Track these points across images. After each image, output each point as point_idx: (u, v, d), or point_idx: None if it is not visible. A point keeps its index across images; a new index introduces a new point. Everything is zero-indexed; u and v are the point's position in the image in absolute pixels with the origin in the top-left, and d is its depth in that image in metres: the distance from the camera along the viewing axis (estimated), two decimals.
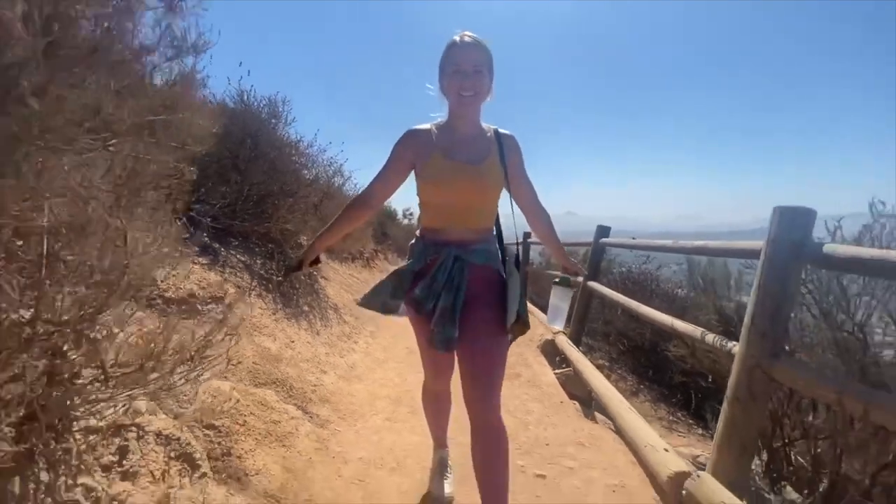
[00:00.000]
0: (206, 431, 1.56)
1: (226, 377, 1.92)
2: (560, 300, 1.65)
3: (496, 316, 1.31)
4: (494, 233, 1.46)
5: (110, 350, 0.92)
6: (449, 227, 1.35)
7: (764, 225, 1.61)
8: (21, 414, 0.80)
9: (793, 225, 1.49)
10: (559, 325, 1.68)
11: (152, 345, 0.99)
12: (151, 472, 1.22)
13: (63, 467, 0.99)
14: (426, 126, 1.36)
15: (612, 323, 5.29)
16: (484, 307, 1.32)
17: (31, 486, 0.89)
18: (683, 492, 1.53)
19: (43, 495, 0.91)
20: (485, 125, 1.39)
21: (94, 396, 0.94)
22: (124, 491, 1.10)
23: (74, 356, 0.89)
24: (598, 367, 3.14)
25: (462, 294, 1.29)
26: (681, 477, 1.57)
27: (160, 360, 1.01)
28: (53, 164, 0.77)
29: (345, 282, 4.98)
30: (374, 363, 3.25)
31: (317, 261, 1.47)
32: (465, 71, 1.25)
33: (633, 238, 3.61)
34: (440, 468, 1.71)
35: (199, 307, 2.32)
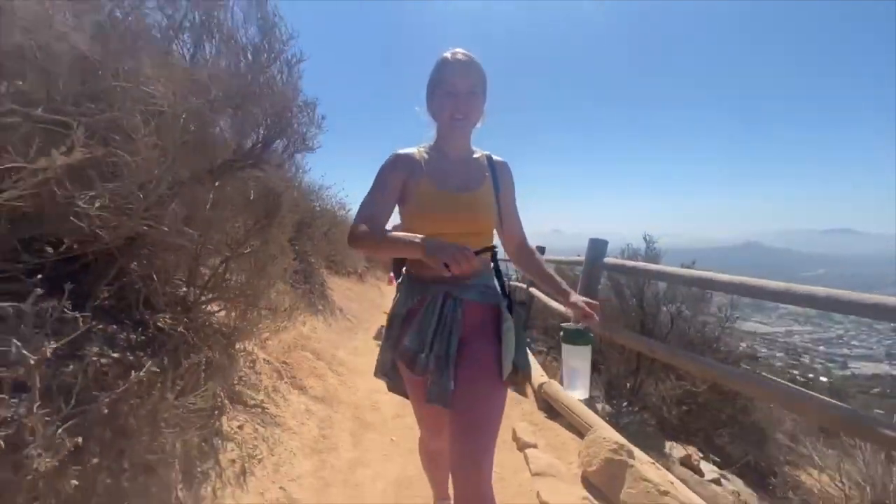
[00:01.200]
0: (285, 363, 2.83)
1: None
2: (575, 359, 1.21)
3: (493, 367, 1.15)
4: (492, 266, 1.29)
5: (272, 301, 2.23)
6: None
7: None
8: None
9: (595, 248, 2.87)
10: (581, 394, 1.23)
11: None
12: (264, 374, 2.50)
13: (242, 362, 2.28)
14: (412, 150, 1.23)
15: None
16: (479, 356, 1.15)
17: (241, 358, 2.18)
18: (542, 391, 2.86)
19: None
20: (476, 150, 1.28)
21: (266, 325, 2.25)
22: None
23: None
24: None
25: (455, 338, 1.13)
26: (542, 384, 2.91)
27: (277, 312, 2.32)
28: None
29: (344, 292, 6.25)
30: (370, 348, 4.53)
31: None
32: (458, 92, 1.14)
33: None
34: None
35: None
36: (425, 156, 1.21)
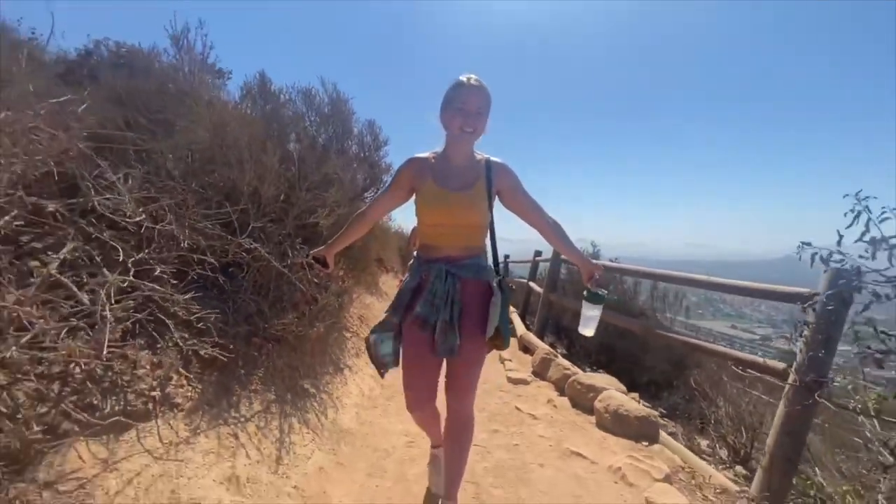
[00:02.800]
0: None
1: None
2: (592, 311, 1.59)
3: (480, 329, 1.46)
4: (489, 251, 1.58)
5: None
6: (440, 245, 1.48)
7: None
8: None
9: (554, 255, 4.58)
10: (590, 333, 1.61)
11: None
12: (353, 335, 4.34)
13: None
14: (426, 154, 1.50)
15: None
16: (471, 321, 1.46)
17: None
18: (521, 338, 4.60)
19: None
20: (478, 154, 1.51)
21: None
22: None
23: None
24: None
25: (458, 305, 1.43)
26: (522, 335, 4.64)
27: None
28: None
29: (390, 283, 8.12)
30: None
31: (326, 265, 1.65)
32: (468, 111, 1.38)
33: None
34: (437, 464, 1.82)
35: None
36: (434, 160, 1.48)
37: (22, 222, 1.45)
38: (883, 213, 1.46)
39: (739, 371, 2.39)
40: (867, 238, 1.53)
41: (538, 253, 7.30)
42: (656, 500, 1.86)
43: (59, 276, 1.37)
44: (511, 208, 1.53)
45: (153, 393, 1.60)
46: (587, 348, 5.61)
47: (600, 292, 1.57)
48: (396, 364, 1.57)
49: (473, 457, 2.21)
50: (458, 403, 1.53)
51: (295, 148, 3.04)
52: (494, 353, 4.25)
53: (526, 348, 4.61)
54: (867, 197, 1.50)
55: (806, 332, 1.99)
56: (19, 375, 1.19)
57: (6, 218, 1.36)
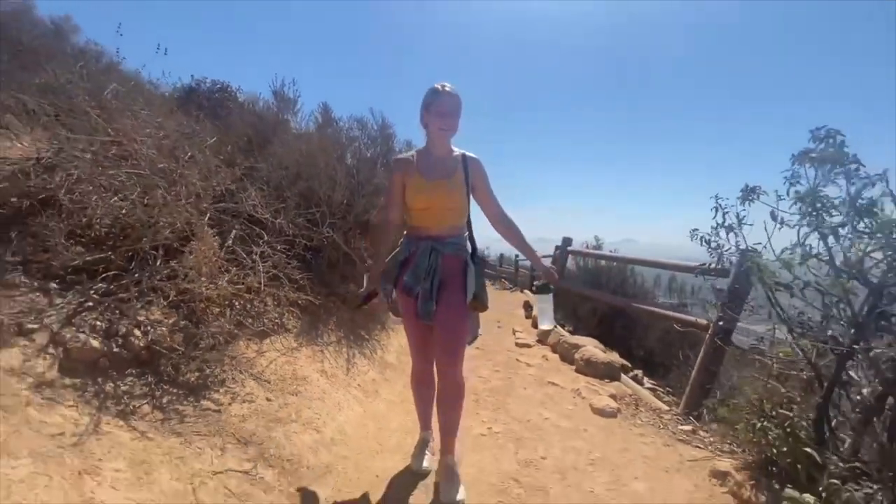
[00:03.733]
0: None
1: None
2: (543, 303, 1.92)
3: (461, 297, 1.73)
4: (466, 234, 1.83)
5: None
6: (427, 226, 1.75)
7: None
8: None
9: (565, 241, 5.41)
10: (548, 325, 1.92)
11: None
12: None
13: None
14: (408, 154, 1.79)
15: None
16: (452, 290, 1.73)
17: None
18: (532, 315, 5.48)
19: None
20: (455, 149, 1.79)
21: None
22: None
23: None
24: None
25: (437, 277, 1.71)
26: (534, 314, 5.52)
27: None
28: None
29: None
30: None
31: (375, 294, 1.83)
32: (445, 113, 1.68)
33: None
34: (422, 447, 2.05)
35: None
36: (416, 156, 1.76)
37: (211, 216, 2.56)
38: (727, 210, 2.28)
39: (679, 328, 3.20)
40: (726, 224, 2.35)
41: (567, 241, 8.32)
42: (595, 403, 2.74)
43: (234, 246, 2.46)
44: (478, 201, 1.83)
45: (276, 320, 2.68)
46: (589, 328, 6.41)
47: (547, 284, 1.84)
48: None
49: (476, 383, 3.17)
50: (447, 368, 1.71)
51: (352, 163, 4.09)
52: (508, 326, 5.12)
53: (535, 323, 5.49)
54: (722, 198, 2.32)
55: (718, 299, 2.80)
56: (226, 300, 2.27)
57: (206, 217, 2.47)
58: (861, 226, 1.70)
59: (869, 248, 1.69)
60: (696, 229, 2.61)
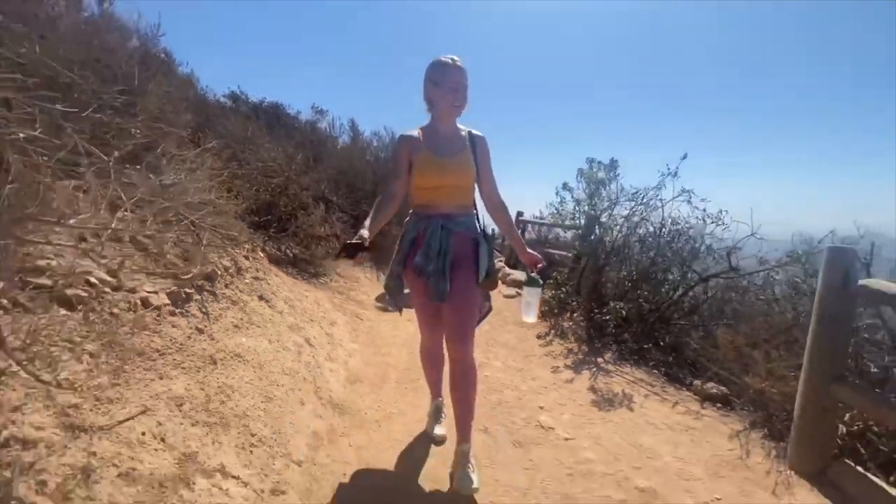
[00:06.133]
0: None
1: None
2: (530, 297, 1.80)
3: (472, 276, 1.67)
4: (474, 212, 1.79)
5: None
6: (436, 203, 1.69)
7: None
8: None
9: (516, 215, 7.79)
10: (531, 319, 1.81)
11: None
12: None
13: None
14: (414, 130, 1.72)
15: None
16: (463, 269, 1.67)
17: None
18: None
19: None
20: (461, 126, 1.75)
21: None
22: None
23: None
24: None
25: (449, 256, 1.64)
26: None
27: None
28: None
29: None
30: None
31: (365, 248, 1.56)
32: (458, 87, 1.63)
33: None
34: (436, 414, 2.07)
35: None
36: (423, 132, 1.71)
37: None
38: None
39: None
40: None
41: None
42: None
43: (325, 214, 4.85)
44: (477, 179, 1.75)
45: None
46: None
47: (537, 278, 1.78)
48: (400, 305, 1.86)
49: None
50: (457, 348, 1.66)
51: (372, 162, 6.40)
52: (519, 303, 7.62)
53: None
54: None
55: None
56: (323, 239, 4.66)
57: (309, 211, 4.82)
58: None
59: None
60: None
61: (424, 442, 2.03)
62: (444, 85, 1.63)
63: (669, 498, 1.75)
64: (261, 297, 2.63)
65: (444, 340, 1.80)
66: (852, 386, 1.85)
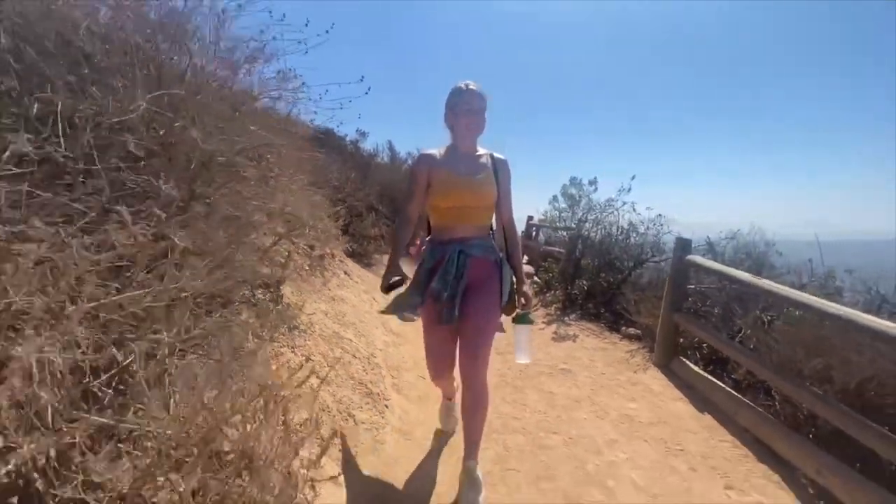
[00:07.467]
0: None
1: None
2: (521, 335, 1.77)
3: (491, 300, 1.70)
4: (491, 234, 1.81)
5: None
6: (454, 226, 1.72)
7: None
8: None
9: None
10: (525, 360, 1.79)
11: None
12: None
13: None
14: (434, 150, 1.75)
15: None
16: (481, 293, 1.70)
17: None
18: None
19: None
20: (481, 148, 1.78)
21: None
22: None
23: None
24: None
25: (465, 282, 1.67)
26: None
27: None
28: None
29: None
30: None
31: (400, 283, 1.68)
32: (471, 110, 1.68)
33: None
34: (447, 410, 2.19)
35: None
36: (443, 153, 1.74)
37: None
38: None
39: None
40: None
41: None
42: None
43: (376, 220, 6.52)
44: (496, 202, 1.77)
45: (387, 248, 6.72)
46: None
47: (526, 314, 1.76)
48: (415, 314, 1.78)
49: None
50: (470, 371, 1.64)
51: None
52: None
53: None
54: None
55: None
56: (375, 239, 6.32)
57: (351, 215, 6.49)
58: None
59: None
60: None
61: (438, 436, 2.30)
62: (459, 108, 1.70)
63: (576, 372, 3.25)
64: (345, 273, 4.26)
65: (450, 358, 1.86)
66: (684, 313, 3.32)
